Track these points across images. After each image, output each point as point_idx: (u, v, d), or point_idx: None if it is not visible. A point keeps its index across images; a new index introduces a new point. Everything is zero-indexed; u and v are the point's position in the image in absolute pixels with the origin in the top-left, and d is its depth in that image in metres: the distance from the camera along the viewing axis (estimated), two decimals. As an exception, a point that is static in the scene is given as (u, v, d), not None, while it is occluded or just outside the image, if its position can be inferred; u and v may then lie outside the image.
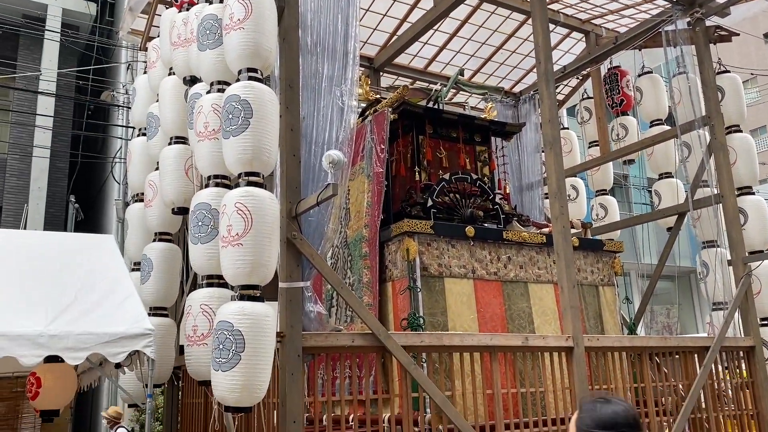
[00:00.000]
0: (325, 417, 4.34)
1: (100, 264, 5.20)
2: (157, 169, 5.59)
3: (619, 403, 1.91)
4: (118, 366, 4.75)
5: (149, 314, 5.08)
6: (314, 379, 5.29)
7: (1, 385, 7.19)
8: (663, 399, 5.79)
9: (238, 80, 4.21)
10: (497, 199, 6.32)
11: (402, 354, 4.37)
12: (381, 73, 8.22)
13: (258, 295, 3.92)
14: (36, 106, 12.83)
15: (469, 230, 5.65)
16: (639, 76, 7.91)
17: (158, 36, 6.03)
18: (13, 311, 4.27)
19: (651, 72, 7.92)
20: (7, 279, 4.67)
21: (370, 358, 4.80)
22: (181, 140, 5.40)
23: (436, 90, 6.84)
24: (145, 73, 6.47)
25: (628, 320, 6.87)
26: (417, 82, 8.40)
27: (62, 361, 4.29)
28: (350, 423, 4.53)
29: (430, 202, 5.78)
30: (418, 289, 5.22)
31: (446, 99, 6.94)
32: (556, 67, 7.57)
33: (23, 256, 5.05)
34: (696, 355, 6.01)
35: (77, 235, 7.59)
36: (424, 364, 4.75)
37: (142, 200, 5.99)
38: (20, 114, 12.93)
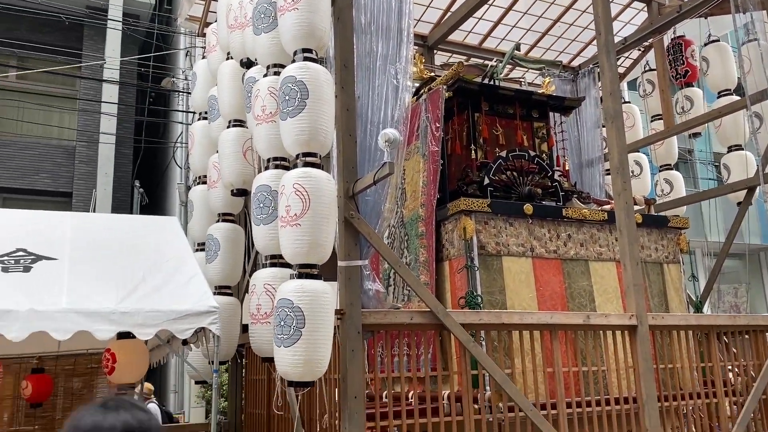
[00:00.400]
0: (385, 393, 4.39)
1: (165, 245, 5.38)
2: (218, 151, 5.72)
3: (117, 415, 1.46)
4: (185, 343, 4.93)
5: (214, 293, 5.24)
6: (374, 356, 5.35)
7: (77, 361, 7.55)
8: (732, 379, 5.62)
9: (293, 61, 4.24)
10: (556, 176, 6.19)
11: (461, 331, 4.37)
12: (435, 51, 8.12)
13: (316, 273, 3.98)
14: (101, 94, 13.31)
15: (527, 208, 5.57)
16: (705, 45, 7.57)
17: (215, 21, 6.13)
18: (87, 289, 4.48)
19: (718, 40, 7.57)
20: (81, 259, 4.89)
21: (428, 336, 4.82)
22: (239, 123, 5.50)
23: (491, 66, 6.72)
24: (203, 57, 6.60)
25: (695, 299, 6.66)
26: (472, 58, 8.27)
27: (133, 337, 4.48)
28: (410, 400, 4.58)
29: (486, 181, 5.71)
30: (476, 268, 5.19)
31: (502, 75, 6.81)
32: (616, 39, 7.32)
33: (94, 238, 5.28)
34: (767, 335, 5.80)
35: (143, 217, 7.86)
36: (483, 343, 4.74)
37: (204, 182, 6.14)
38: (86, 102, 13.43)
